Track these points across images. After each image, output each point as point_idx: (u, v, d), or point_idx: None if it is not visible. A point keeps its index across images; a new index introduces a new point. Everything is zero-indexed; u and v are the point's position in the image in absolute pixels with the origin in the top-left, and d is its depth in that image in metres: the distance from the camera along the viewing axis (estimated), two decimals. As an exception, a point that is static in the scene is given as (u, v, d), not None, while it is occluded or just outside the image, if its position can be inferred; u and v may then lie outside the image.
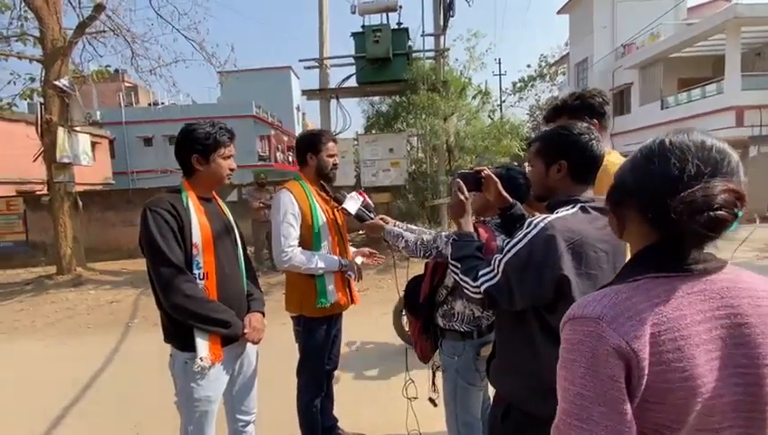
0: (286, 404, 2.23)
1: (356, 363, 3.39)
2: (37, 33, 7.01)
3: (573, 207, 1.14)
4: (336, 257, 2.03)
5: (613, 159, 1.54)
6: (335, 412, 2.35)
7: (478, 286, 1.17)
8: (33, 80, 7.53)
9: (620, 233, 0.76)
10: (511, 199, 1.48)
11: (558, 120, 1.75)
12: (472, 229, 1.35)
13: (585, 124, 1.25)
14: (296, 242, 1.92)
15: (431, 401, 1.81)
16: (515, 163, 2.08)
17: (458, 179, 1.40)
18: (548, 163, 1.21)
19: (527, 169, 1.52)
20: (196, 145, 1.56)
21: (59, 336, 4.78)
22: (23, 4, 6.97)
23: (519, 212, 1.48)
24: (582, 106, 1.67)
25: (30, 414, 2.96)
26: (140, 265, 8.10)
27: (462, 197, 1.36)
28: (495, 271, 1.14)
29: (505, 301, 1.13)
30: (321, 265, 1.96)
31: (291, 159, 29.91)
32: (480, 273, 1.17)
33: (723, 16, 13.25)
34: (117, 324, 5.02)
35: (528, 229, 1.11)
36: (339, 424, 2.37)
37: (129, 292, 6.41)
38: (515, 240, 1.12)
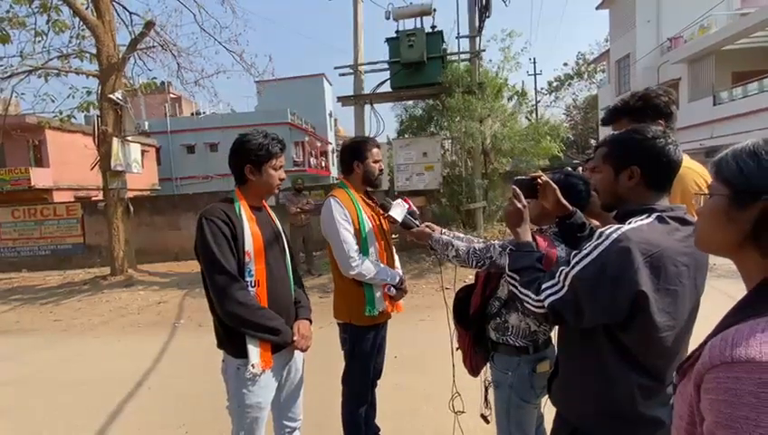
0: (329, 410, 2.22)
1: (396, 372, 3.35)
2: (93, 50, 7.54)
3: (649, 216, 1.05)
4: (398, 272, 2.06)
5: (687, 165, 1.43)
6: (376, 422, 2.33)
7: (541, 300, 1.10)
8: (90, 93, 8.13)
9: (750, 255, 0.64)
10: (570, 207, 1.40)
11: (618, 123, 1.65)
12: (530, 238, 1.29)
13: (659, 127, 1.16)
14: (358, 247, 1.93)
15: (483, 417, 1.74)
16: (569, 167, 1.98)
17: (514, 186, 1.34)
18: (618, 169, 1.12)
19: (589, 175, 1.44)
20: (249, 155, 1.59)
21: (113, 334, 5.07)
22: (81, 23, 7.53)
23: (580, 221, 1.39)
24: (646, 107, 1.57)
25: (87, 410, 3.14)
26: (186, 267, 8.50)
27: (519, 205, 1.30)
28: (561, 284, 1.07)
29: (573, 317, 1.06)
30: (385, 276, 1.98)
31: (324, 163, 30.49)
32: (544, 286, 1.10)
33: (785, 4, 12.23)
34: (164, 324, 5.27)
35: (599, 240, 1.03)
36: (380, 434, 2.34)
37: (175, 293, 6.71)
38: (585, 252, 1.04)
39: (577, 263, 1.04)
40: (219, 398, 1.66)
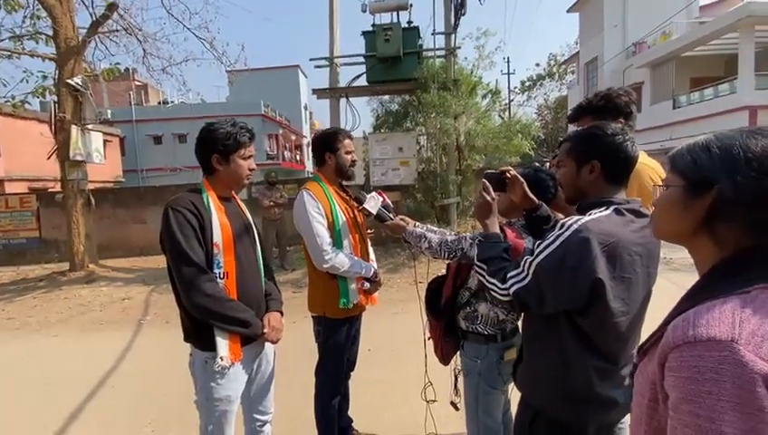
0: (301, 403, 2.22)
1: (370, 364, 3.37)
2: (50, 32, 7.08)
3: (607, 208, 1.11)
4: (372, 264, 2.07)
5: (644, 161, 1.51)
6: (350, 413, 2.34)
7: (507, 288, 1.14)
8: (45, 78, 7.62)
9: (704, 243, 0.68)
10: (537, 200, 1.45)
11: (582, 121, 1.72)
12: (498, 230, 1.33)
13: (619, 125, 1.22)
14: (331, 240, 1.91)
15: (453, 405, 1.78)
16: (536, 163, 2.05)
17: (484, 180, 1.38)
18: (580, 163, 1.18)
19: (555, 170, 1.50)
20: (216, 145, 1.55)
21: (72, 332, 4.83)
22: (35, 2, 7.05)
23: (545, 213, 1.45)
24: (608, 106, 1.64)
25: (45, 411, 2.99)
26: (151, 262, 8.19)
27: (488, 197, 1.34)
28: (525, 273, 1.12)
29: (536, 303, 1.11)
30: (359, 269, 1.98)
31: (298, 157, 30.03)
32: (509, 275, 1.15)
33: (736, 15, 13.02)
34: (129, 321, 5.07)
35: (560, 231, 1.08)
36: (353, 425, 2.36)
37: (140, 289, 6.46)
38: (547, 242, 1.09)
39: (540, 252, 1.09)
40: (187, 394, 1.62)
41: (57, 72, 7.10)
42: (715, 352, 0.55)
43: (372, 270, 2.06)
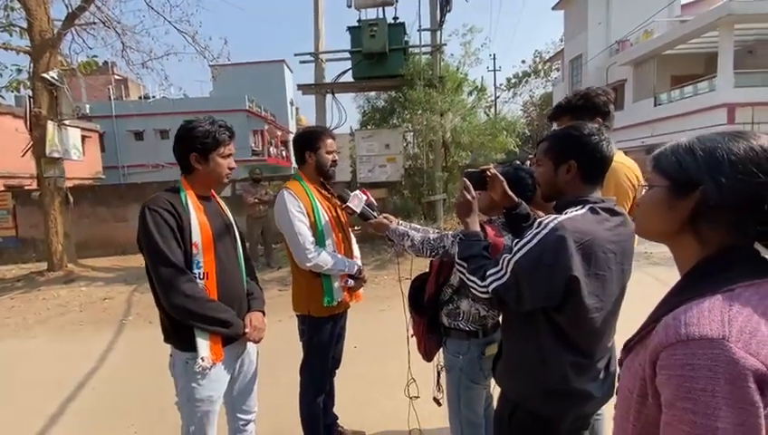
0: (285, 402, 2.21)
1: (355, 361, 3.38)
2: (24, 24, 6.83)
3: (583, 207, 1.13)
4: (356, 262, 2.07)
5: (620, 160, 1.54)
6: (335, 410, 2.35)
7: (486, 286, 1.16)
8: (20, 71, 7.36)
9: (688, 243, 0.70)
10: (516, 199, 1.47)
11: (562, 119, 1.74)
12: (479, 228, 1.34)
13: (595, 125, 1.24)
14: (313, 239, 1.90)
15: (436, 400, 1.80)
16: (518, 160, 2.07)
17: (465, 178, 1.39)
18: (557, 163, 1.20)
19: (534, 169, 1.52)
20: (194, 143, 1.52)
21: (51, 334, 4.71)
22: (9, -7, 6.79)
23: (524, 211, 1.47)
24: (586, 105, 1.67)
25: (25, 413, 2.92)
26: (132, 261, 8.02)
27: (468, 196, 1.35)
28: (504, 270, 1.13)
29: (514, 301, 1.13)
30: (343, 266, 1.97)
31: (284, 153, 29.72)
32: (488, 272, 1.16)
33: (716, 13, 13.34)
34: (110, 322, 4.96)
35: (538, 229, 1.10)
36: (338, 422, 2.36)
37: (121, 288, 6.33)
38: (525, 240, 1.11)
39: (518, 250, 1.11)
40: (169, 395, 1.60)
41: (32, 65, 6.86)
42: (708, 350, 0.56)
43: (356, 267, 2.06)
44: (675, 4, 18.10)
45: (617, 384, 0.78)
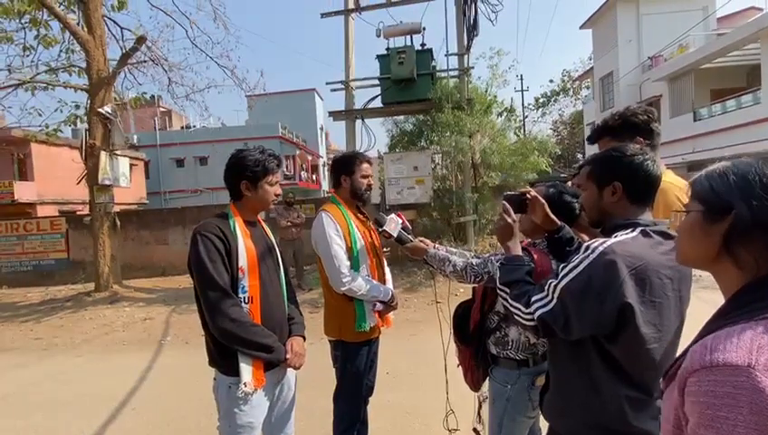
0: (318, 429, 2.18)
1: (388, 388, 3.31)
2: (83, 65, 7.52)
3: (633, 230, 1.09)
4: (390, 288, 2.06)
5: (670, 180, 1.47)
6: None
7: (531, 313, 1.12)
8: (78, 107, 8.06)
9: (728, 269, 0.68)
10: (559, 222, 1.43)
11: (601, 141, 1.70)
12: (520, 252, 1.31)
13: (637, 145, 1.21)
14: (349, 263, 1.92)
15: (476, 432, 1.73)
16: (557, 180, 2.02)
17: (504, 202, 1.38)
18: (601, 186, 1.16)
19: (577, 190, 1.48)
20: (245, 171, 1.59)
21: (96, 353, 4.92)
22: (70, 38, 7.52)
23: (568, 235, 1.43)
24: (624, 125, 1.62)
25: (66, 431, 3.03)
26: (173, 282, 8.35)
27: (509, 219, 1.33)
28: (550, 297, 1.09)
29: (561, 329, 1.08)
30: (377, 293, 1.97)
31: (314, 177, 30.51)
32: (533, 299, 1.13)
33: (757, 24, 12.82)
34: (150, 342, 5.14)
35: (586, 253, 1.06)
36: (374, 451, 2.30)
37: (161, 309, 6.57)
38: (572, 265, 1.07)
39: (565, 275, 1.07)
40: (206, 417, 1.63)
41: (89, 101, 7.50)
42: (731, 378, 0.55)
43: (390, 293, 2.05)
44: (711, 17, 17.57)
45: None
